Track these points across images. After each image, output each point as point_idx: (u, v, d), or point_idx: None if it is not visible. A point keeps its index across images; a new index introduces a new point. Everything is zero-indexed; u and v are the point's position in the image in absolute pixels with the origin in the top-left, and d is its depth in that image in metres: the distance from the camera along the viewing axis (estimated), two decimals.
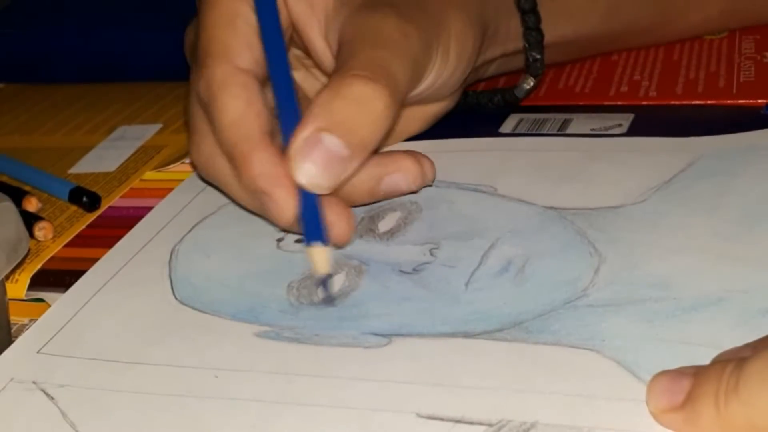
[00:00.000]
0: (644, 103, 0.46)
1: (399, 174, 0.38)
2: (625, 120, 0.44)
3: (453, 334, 0.32)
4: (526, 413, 0.28)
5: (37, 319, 0.36)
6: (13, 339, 0.35)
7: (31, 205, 0.45)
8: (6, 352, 0.34)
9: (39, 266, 0.40)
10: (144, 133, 0.51)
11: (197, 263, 0.38)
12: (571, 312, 0.32)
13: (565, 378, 0.29)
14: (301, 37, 0.41)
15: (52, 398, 0.31)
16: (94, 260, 0.39)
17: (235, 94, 0.36)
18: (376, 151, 0.37)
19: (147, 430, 0.30)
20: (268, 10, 0.37)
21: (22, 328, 0.36)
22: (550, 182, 0.40)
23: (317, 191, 0.35)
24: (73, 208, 0.45)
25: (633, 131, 0.43)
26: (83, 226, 0.43)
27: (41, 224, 0.42)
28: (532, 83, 0.46)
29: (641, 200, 0.38)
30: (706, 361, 0.28)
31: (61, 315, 0.36)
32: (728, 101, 0.45)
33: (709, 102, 0.45)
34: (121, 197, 0.45)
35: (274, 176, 0.35)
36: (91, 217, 0.44)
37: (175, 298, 0.36)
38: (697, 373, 0.26)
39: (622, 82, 0.49)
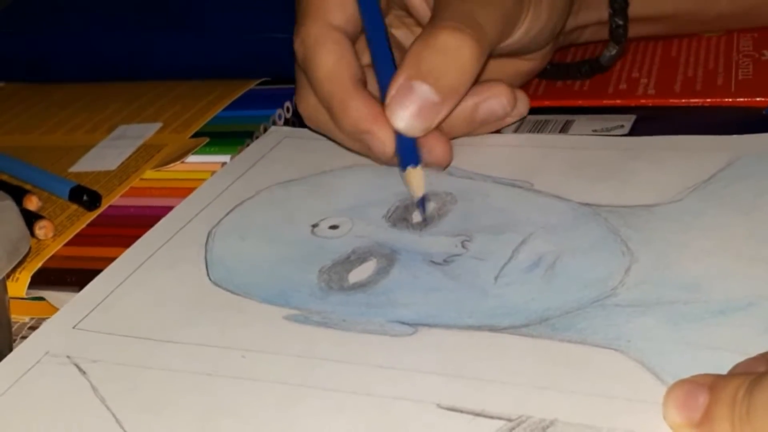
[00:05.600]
0: (643, 101, 0.46)
1: (494, 99, 0.41)
2: (627, 121, 0.44)
3: (479, 327, 0.32)
4: (546, 410, 0.28)
5: (37, 318, 0.36)
6: (14, 338, 0.36)
7: (32, 203, 0.45)
8: (42, 326, 0.35)
9: (39, 265, 0.40)
10: (144, 132, 0.51)
11: (232, 246, 0.39)
12: (598, 311, 0.32)
13: (587, 377, 0.29)
14: None
15: (84, 373, 0.32)
16: (95, 259, 0.39)
17: (328, 50, 0.40)
18: None
19: (173, 407, 0.30)
20: None
21: (23, 327, 0.37)
22: (587, 179, 0.40)
23: (412, 134, 0.39)
24: (74, 206, 0.45)
25: (635, 132, 0.43)
26: (84, 225, 0.43)
27: (42, 223, 0.42)
28: (614, 50, 0.46)
29: (678, 199, 0.37)
30: (730, 367, 0.28)
31: (99, 291, 0.37)
32: (727, 99, 0.45)
33: (708, 100, 0.45)
34: (122, 196, 0.45)
35: (372, 116, 0.39)
36: (92, 215, 0.44)
37: (209, 279, 0.37)
38: (713, 386, 0.26)
39: (621, 79, 0.49)
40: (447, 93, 0.38)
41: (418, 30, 0.44)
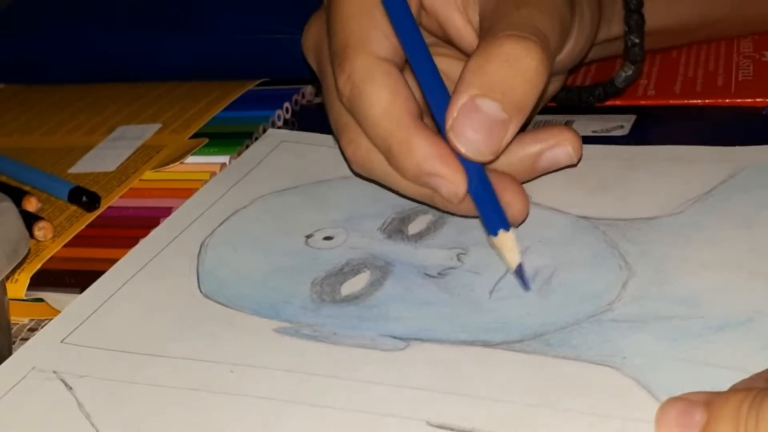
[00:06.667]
0: (643, 102, 0.46)
1: (559, 148, 0.37)
2: (627, 121, 0.43)
3: (472, 342, 0.32)
4: (539, 429, 0.28)
5: (36, 320, 0.36)
6: (13, 339, 0.35)
7: (31, 205, 0.45)
8: (30, 341, 0.35)
9: (39, 266, 0.40)
10: (143, 132, 0.51)
11: (225, 257, 0.38)
12: (594, 326, 0.31)
13: (581, 394, 0.29)
14: (437, 18, 0.39)
15: (71, 388, 0.32)
16: (94, 260, 0.39)
17: (379, 84, 0.36)
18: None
19: (159, 423, 0.30)
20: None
21: (23, 329, 0.36)
22: (587, 191, 0.39)
23: (480, 159, 0.34)
24: (73, 207, 0.44)
25: (635, 132, 0.43)
26: (83, 226, 0.43)
27: (41, 224, 0.42)
28: (631, 70, 0.43)
29: (678, 212, 0.37)
30: (728, 385, 0.27)
31: (88, 305, 0.36)
32: (727, 100, 0.45)
33: (707, 101, 0.45)
34: (121, 197, 0.45)
35: (439, 155, 0.34)
36: (91, 216, 0.44)
37: (201, 291, 0.36)
38: (710, 403, 0.25)
39: None
40: (515, 109, 0.34)
41: (449, 60, 0.40)
